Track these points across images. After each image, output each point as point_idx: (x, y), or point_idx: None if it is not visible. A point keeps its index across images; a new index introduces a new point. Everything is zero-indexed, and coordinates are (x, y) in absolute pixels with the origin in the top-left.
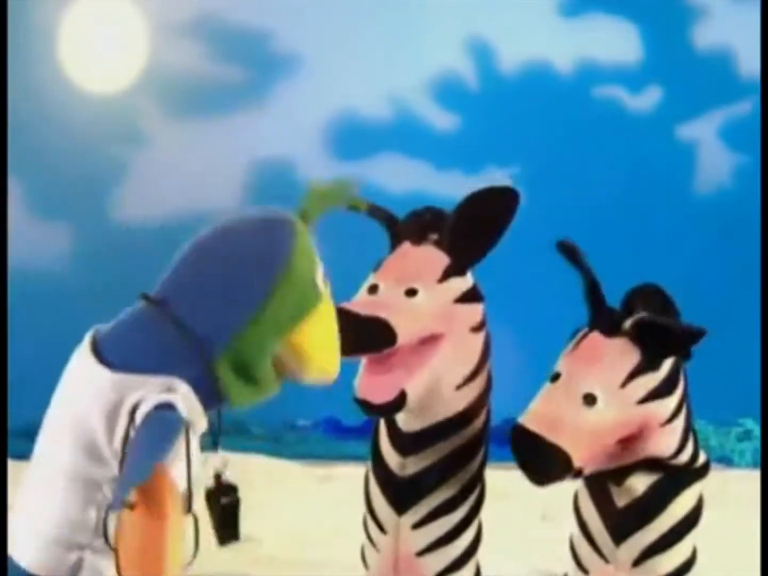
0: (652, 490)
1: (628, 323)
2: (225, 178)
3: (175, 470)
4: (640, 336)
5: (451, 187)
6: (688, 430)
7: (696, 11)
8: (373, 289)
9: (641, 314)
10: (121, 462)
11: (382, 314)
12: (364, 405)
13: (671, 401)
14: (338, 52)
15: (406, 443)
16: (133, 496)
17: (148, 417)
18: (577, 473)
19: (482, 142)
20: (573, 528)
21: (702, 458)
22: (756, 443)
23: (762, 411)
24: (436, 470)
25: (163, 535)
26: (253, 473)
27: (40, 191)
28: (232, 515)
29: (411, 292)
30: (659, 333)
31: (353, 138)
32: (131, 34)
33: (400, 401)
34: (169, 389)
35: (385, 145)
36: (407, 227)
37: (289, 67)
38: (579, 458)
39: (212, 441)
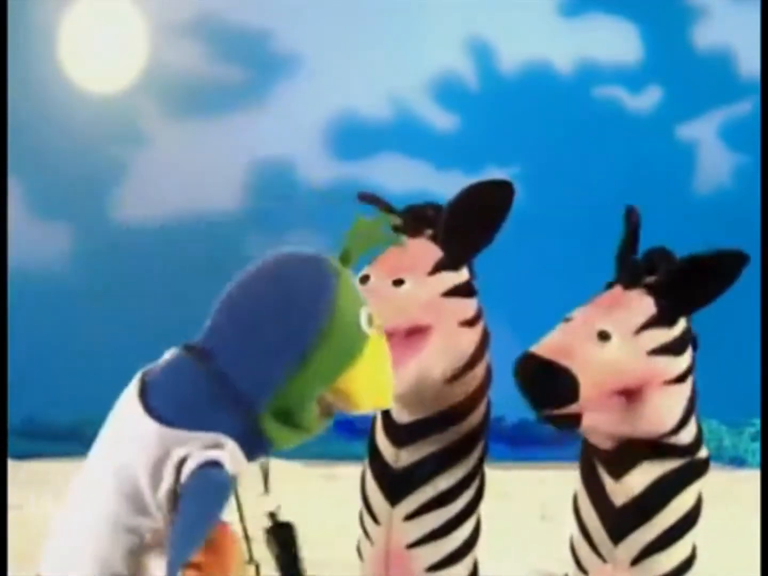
0: (651, 488)
1: (651, 277)
2: (225, 178)
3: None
4: (671, 284)
5: (451, 187)
6: (692, 410)
7: (696, 11)
8: (364, 279)
9: (671, 264)
10: (167, 517)
11: (373, 306)
12: None
13: (680, 362)
14: (338, 52)
15: (400, 435)
16: (196, 557)
17: (194, 474)
18: (577, 419)
19: (482, 142)
20: (573, 528)
21: (704, 452)
22: (720, 442)
23: (762, 411)
24: (431, 462)
25: None
26: (252, 473)
27: (40, 191)
28: (292, 551)
29: (398, 282)
30: (692, 279)
31: (353, 138)
32: (131, 34)
33: None
34: (216, 446)
35: (385, 145)
36: (404, 221)
37: (289, 67)
38: (585, 387)
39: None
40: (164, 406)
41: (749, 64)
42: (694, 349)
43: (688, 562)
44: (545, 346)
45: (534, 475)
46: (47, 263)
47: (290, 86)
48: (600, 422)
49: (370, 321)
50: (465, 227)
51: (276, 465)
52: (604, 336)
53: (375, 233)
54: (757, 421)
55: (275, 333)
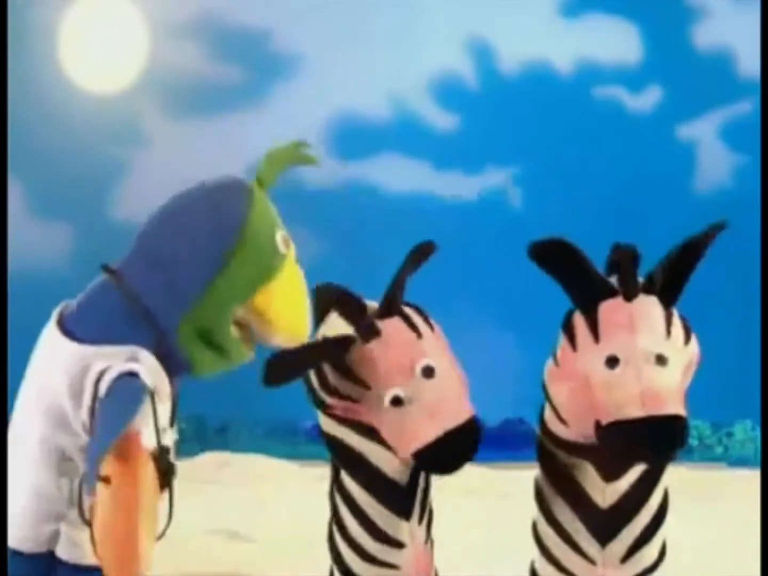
0: (635, 486)
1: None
2: None
3: (145, 437)
4: (664, 280)
5: (451, 187)
6: None
7: (696, 11)
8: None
9: (658, 267)
10: (90, 432)
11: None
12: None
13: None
14: (338, 52)
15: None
16: (105, 469)
17: (111, 386)
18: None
19: (482, 142)
20: (548, 535)
21: None
22: (756, 443)
23: (762, 411)
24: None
25: (137, 504)
26: (252, 473)
27: (40, 191)
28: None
29: (660, 359)
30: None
31: (353, 138)
32: (131, 34)
33: None
34: (132, 358)
35: (385, 145)
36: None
37: (289, 67)
38: (682, 403)
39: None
40: (81, 326)
41: (749, 64)
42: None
43: (663, 550)
44: (629, 405)
45: (534, 475)
46: (47, 263)
47: (290, 86)
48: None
49: (286, 243)
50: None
51: (273, 465)
52: (661, 361)
53: (289, 155)
54: (743, 422)
55: (187, 249)
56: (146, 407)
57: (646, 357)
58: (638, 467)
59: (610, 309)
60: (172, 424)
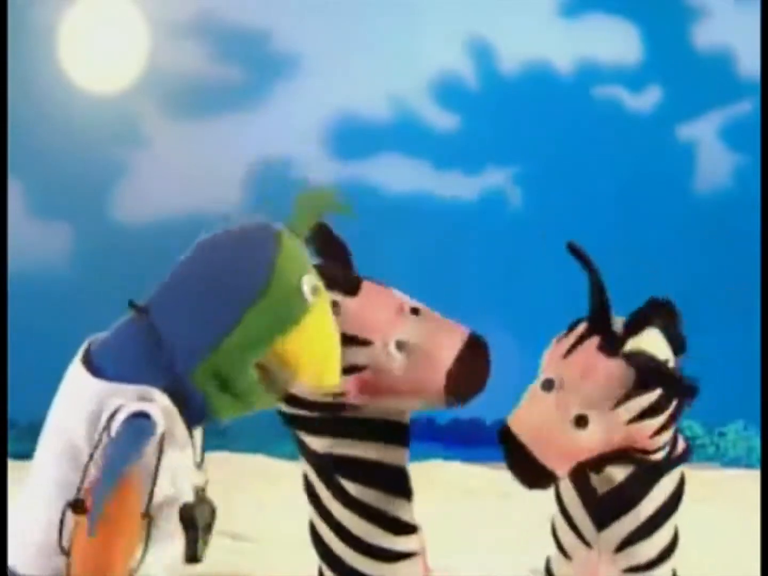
0: (632, 478)
1: (628, 350)
2: (225, 178)
3: (146, 478)
4: (638, 372)
5: (451, 187)
6: (676, 430)
7: (696, 11)
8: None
9: (642, 355)
10: (87, 466)
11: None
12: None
13: (662, 417)
14: (338, 52)
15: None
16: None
17: (122, 425)
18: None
19: (482, 142)
20: (555, 514)
21: (681, 446)
22: (749, 443)
23: (762, 411)
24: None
25: (113, 541)
26: (252, 473)
27: (40, 191)
28: (199, 531)
29: (580, 420)
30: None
31: (353, 138)
32: (131, 35)
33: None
34: (145, 398)
35: (385, 145)
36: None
37: (289, 67)
38: (563, 473)
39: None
40: (104, 362)
41: (749, 64)
42: (682, 351)
43: (671, 547)
44: (524, 428)
45: None
46: (47, 263)
47: (290, 86)
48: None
49: (314, 290)
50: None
51: (272, 466)
52: (582, 422)
53: (321, 202)
54: (737, 422)
55: (211, 292)
56: (155, 447)
57: (571, 412)
58: (628, 464)
59: (587, 354)
60: (199, 467)
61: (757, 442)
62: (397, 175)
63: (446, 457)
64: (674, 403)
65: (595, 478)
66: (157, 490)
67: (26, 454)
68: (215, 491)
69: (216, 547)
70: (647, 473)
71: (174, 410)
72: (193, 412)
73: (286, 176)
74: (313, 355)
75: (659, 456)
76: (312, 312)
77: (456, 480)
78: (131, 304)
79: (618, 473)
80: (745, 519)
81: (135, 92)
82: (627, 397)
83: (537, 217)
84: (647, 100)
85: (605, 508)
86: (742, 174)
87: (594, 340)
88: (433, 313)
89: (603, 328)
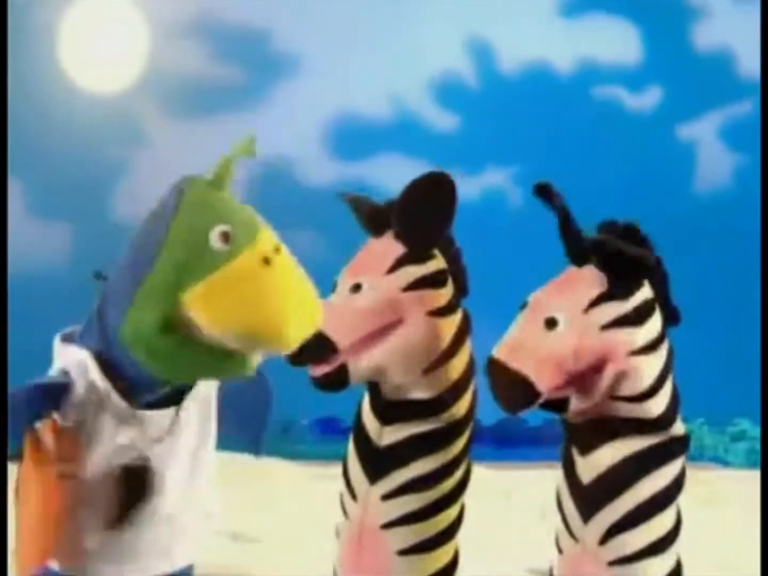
0: (619, 466)
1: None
2: None
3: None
4: (600, 260)
5: None
6: (663, 381)
7: (696, 11)
8: (334, 286)
9: (598, 237)
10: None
11: (325, 325)
12: (312, 380)
13: (640, 332)
14: (338, 52)
15: (385, 412)
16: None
17: (34, 383)
18: (563, 403)
19: (482, 142)
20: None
21: (680, 430)
22: (750, 443)
23: (762, 411)
24: (413, 444)
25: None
26: (252, 473)
27: (40, 191)
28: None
29: (356, 288)
30: (616, 257)
31: (353, 138)
32: (131, 35)
33: (339, 374)
34: (76, 358)
35: (385, 145)
36: (370, 222)
37: (289, 67)
38: (542, 382)
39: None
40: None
41: (749, 64)
42: (676, 322)
43: (662, 543)
44: (502, 348)
45: (534, 475)
46: (47, 263)
47: (290, 86)
48: (582, 401)
49: (225, 238)
50: (417, 220)
51: (273, 465)
52: (551, 323)
53: (235, 154)
54: (740, 421)
55: (133, 249)
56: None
57: (540, 315)
58: (619, 446)
59: (564, 272)
60: (160, 440)
61: (756, 445)
62: (397, 175)
63: None
64: (659, 322)
65: (580, 467)
66: (87, 452)
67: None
68: (216, 490)
69: (216, 547)
70: (636, 463)
71: (94, 367)
72: (132, 375)
73: (287, 176)
74: (222, 306)
75: (652, 410)
76: (232, 264)
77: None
78: (96, 274)
79: (604, 460)
80: (745, 519)
81: (135, 92)
82: (599, 300)
83: (537, 216)
84: (647, 100)
85: (590, 499)
86: (742, 174)
87: (570, 266)
88: None
89: (571, 247)
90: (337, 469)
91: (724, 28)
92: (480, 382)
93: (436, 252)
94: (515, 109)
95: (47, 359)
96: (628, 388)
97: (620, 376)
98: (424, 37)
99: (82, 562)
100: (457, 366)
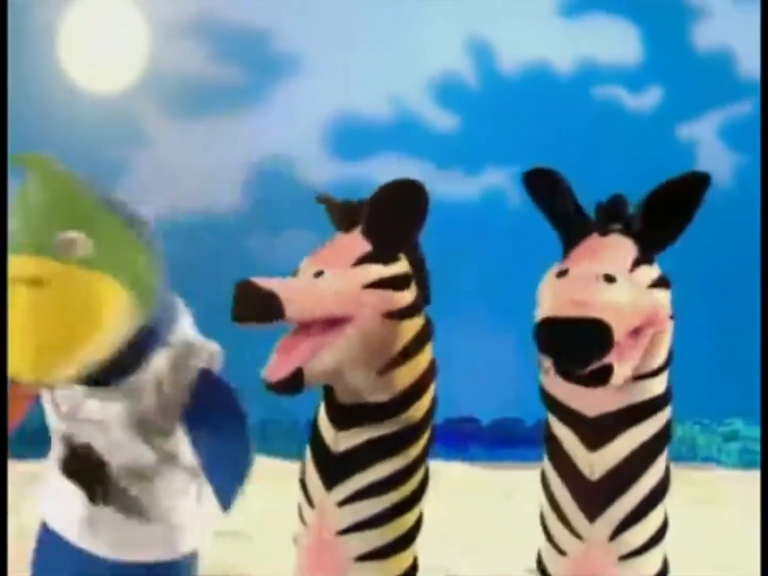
0: (628, 458)
1: (622, 220)
2: (225, 178)
3: None
4: (644, 219)
5: (451, 187)
6: (672, 354)
7: (696, 11)
8: (295, 273)
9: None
10: None
11: (277, 289)
12: (266, 385)
13: (669, 296)
14: (338, 52)
15: (340, 417)
16: None
17: None
18: (608, 371)
19: (482, 142)
20: (544, 506)
21: (669, 412)
22: (744, 443)
23: (762, 411)
24: (369, 449)
25: None
26: (253, 473)
27: None
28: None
29: (318, 274)
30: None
31: (353, 138)
32: (131, 35)
33: (295, 380)
34: None
35: (385, 145)
36: (340, 217)
37: (289, 67)
38: (617, 330)
39: None
40: None
41: (749, 64)
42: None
43: (663, 530)
44: (561, 306)
45: (534, 475)
46: None
47: (290, 86)
48: (624, 370)
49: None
50: (388, 221)
51: (273, 465)
52: (609, 279)
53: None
54: (732, 421)
55: None
56: None
57: (595, 274)
58: (629, 437)
59: (585, 241)
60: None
61: (749, 444)
62: (397, 175)
63: (446, 457)
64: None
65: (586, 464)
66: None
67: (24, 455)
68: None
69: (216, 547)
70: (640, 455)
71: None
72: None
73: (287, 176)
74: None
75: (656, 388)
76: (13, 296)
77: (456, 480)
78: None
79: (614, 454)
80: (745, 519)
81: (135, 92)
82: (637, 262)
83: (537, 216)
84: (647, 100)
85: (599, 496)
86: (742, 174)
87: (590, 237)
88: None
89: (593, 221)
90: None
91: (724, 28)
92: (478, 381)
93: (401, 257)
94: (515, 109)
95: None
96: (653, 360)
97: (654, 342)
98: (424, 37)
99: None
100: (414, 369)
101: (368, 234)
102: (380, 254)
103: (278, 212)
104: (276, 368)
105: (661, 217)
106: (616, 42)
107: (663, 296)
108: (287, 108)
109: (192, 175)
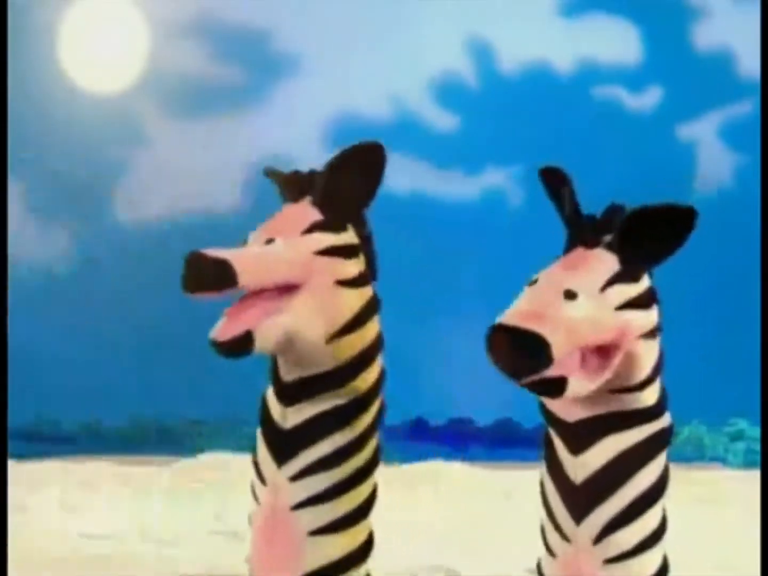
0: (613, 462)
1: (608, 235)
2: (225, 178)
3: None
4: (625, 236)
5: (452, 187)
6: (659, 369)
7: (696, 11)
8: (244, 243)
9: (629, 211)
10: None
11: (230, 258)
12: (213, 345)
13: (650, 315)
14: (338, 52)
15: (286, 393)
16: None
17: None
18: (562, 384)
19: (482, 142)
20: (541, 511)
21: (668, 419)
22: (748, 443)
23: (762, 411)
24: (317, 423)
25: None
26: (250, 472)
27: (40, 191)
28: None
29: (269, 242)
30: (645, 229)
31: (353, 138)
32: (131, 35)
33: (244, 341)
34: None
35: (385, 145)
36: (288, 188)
37: (289, 67)
38: (558, 347)
39: None
40: None
41: (749, 64)
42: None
43: (655, 536)
44: (512, 314)
45: (533, 475)
46: (47, 263)
47: (290, 86)
48: (583, 385)
49: None
50: (339, 190)
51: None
52: (570, 295)
53: None
54: (737, 421)
55: None
56: None
57: (558, 289)
58: (611, 442)
59: (571, 252)
60: None
61: (753, 445)
62: (397, 175)
63: (446, 457)
64: (658, 309)
65: (571, 467)
66: None
67: (24, 455)
68: (215, 492)
69: (216, 548)
70: (627, 459)
71: None
72: None
73: None
74: None
75: (645, 399)
76: None
77: (456, 480)
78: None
79: (596, 459)
80: (744, 519)
81: (135, 92)
82: (613, 281)
83: (537, 216)
84: (647, 100)
85: (583, 499)
86: (742, 174)
87: (577, 247)
88: None
89: (581, 229)
90: None
91: (724, 28)
92: (478, 381)
93: (350, 228)
94: (515, 109)
95: (47, 358)
96: (632, 376)
97: (628, 360)
98: (424, 37)
99: None
100: (362, 338)
101: (320, 201)
102: (330, 223)
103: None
104: (225, 329)
105: (640, 240)
106: (616, 42)
107: (636, 316)
108: (287, 108)
109: (192, 175)
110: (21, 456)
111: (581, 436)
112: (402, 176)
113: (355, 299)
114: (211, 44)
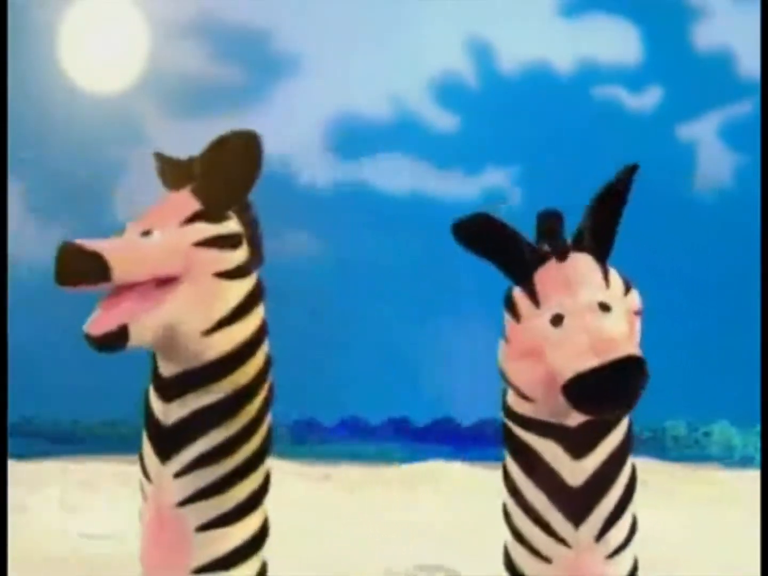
0: (605, 464)
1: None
2: None
3: None
4: (595, 223)
5: (451, 187)
6: None
7: (696, 11)
8: (120, 233)
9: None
10: None
11: (102, 250)
12: (87, 339)
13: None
14: (338, 52)
15: (166, 389)
16: None
17: None
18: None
19: (482, 142)
20: (514, 512)
21: (627, 418)
22: (732, 443)
23: (762, 411)
24: (200, 417)
25: None
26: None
27: (40, 191)
28: None
29: (146, 233)
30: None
31: (353, 138)
32: (131, 35)
33: (119, 335)
34: None
35: (385, 145)
36: (168, 175)
37: (289, 67)
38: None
39: None
40: None
41: (749, 64)
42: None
43: (634, 528)
44: (624, 343)
45: None
46: (47, 263)
47: (290, 86)
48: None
49: None
50: (218, 179)
51: (273, 465)
52: (604, 307)
53: None
54: (719, 422)
55: None
56: None
57: (589, 307)
58: (607, 443)
59: (545, 272)
60: None
61: (738, 441)
62: (397, 175)
63: (446, 457)
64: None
65: (570, 471)
66: None
67: (24, 454)
68: None
69: None
70: (617, 455)
71: None
72: None
73: (287, 176)
74: None
75: None
76: None
77: (456, 480)
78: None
79: (590, 462)
80: (744, 519)
81: (135, 92)
82: (605, 273)
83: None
84: (647, 100)
85: (583, 501)
86: (742, 174)
87: (548, 264)
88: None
89: (553, 248)
90: (337, 470)
91: (724, 28)
92: (478, 381)
93: (232, 216)
94: (515, 109)
95: (47, 358)
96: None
97: (634, 336)
98: (424, 37)
99: None
100: (243, 330)
101: (199, 191)
102: (210, 213)
103: (278, 212)
104: (100, 322)
105: (605, 219)
106: (616, 42)
107: (631, 295)
108: (287, 108)
109: None
110: (21, 456)
111: (585, 439)
112: (402, 176)
113: (236, 291)
114: (211, 44)
